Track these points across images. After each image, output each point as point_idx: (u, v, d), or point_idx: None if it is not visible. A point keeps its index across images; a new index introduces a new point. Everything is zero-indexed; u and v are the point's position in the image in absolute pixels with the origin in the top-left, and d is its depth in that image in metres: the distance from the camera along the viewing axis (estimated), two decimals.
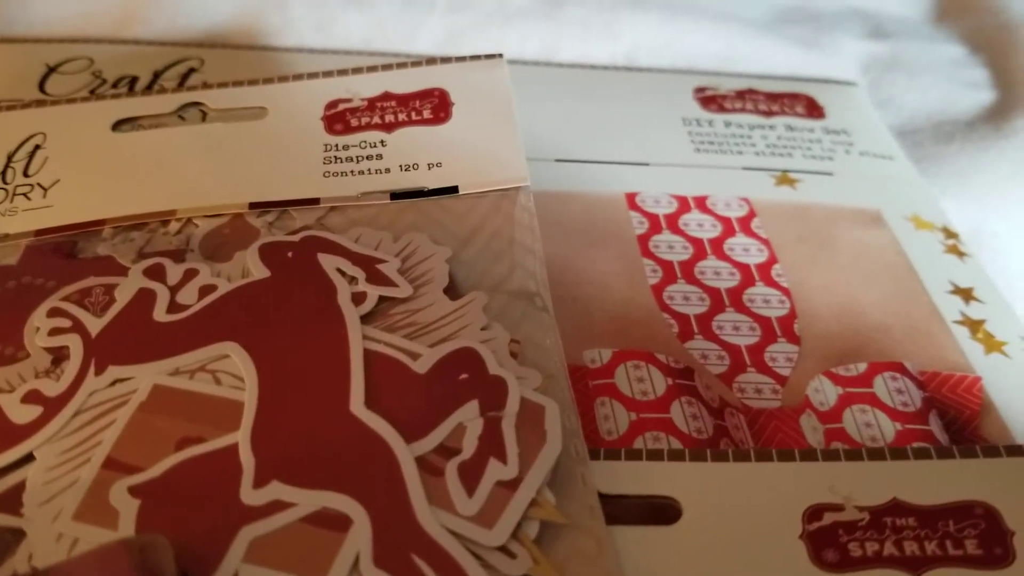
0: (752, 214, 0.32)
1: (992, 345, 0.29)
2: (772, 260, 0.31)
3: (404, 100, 0.30)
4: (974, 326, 0.29)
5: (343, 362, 0.23)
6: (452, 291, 0.25)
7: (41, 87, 0.34)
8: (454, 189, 0.27)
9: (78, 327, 0.24)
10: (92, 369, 0.23)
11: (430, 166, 0.28)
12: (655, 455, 0.23)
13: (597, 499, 0.22)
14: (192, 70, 0.36)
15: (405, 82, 0.30)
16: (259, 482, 0.21)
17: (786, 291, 0.30)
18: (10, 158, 0.28)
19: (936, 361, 0.28)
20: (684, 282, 0.30)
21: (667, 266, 0.30)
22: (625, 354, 0.27)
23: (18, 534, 0.21)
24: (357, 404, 0.22)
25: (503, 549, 0.20)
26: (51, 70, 0.35)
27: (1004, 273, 0.32)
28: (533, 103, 0.36)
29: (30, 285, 0.25)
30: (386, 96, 0.30)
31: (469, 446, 0.21)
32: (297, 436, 0.22)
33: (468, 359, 0.23)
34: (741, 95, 0.39)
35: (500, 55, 0.31)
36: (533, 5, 0.42)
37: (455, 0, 0.41)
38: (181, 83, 0.36)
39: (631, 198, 0.33)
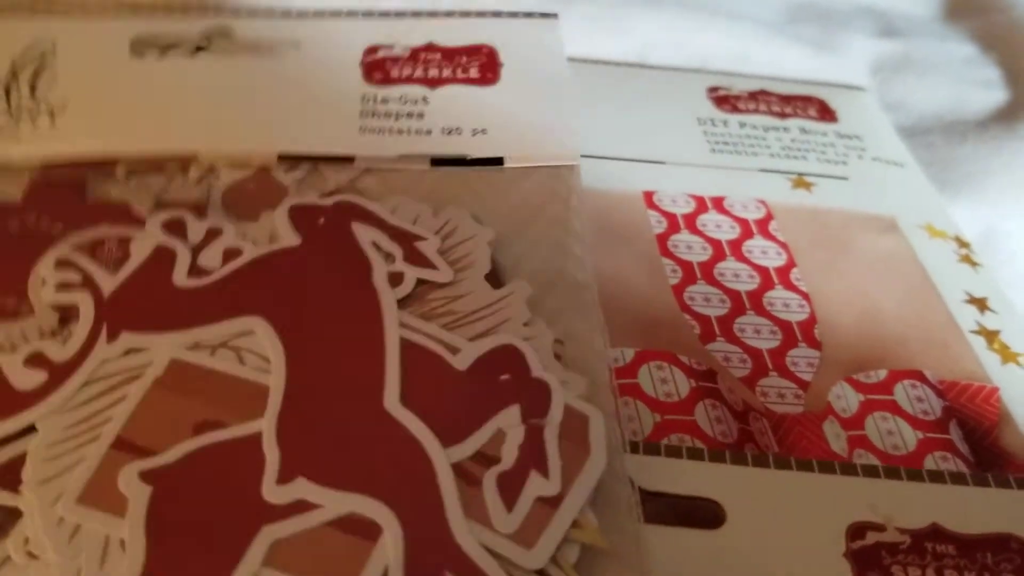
0: (769, 216, 0.32)
1: (1008, 356, 0.29)
2: (791, 264, 0.31)
3: (450, 54, 0.28)
4: (990, 336, 0.29)
5: (378, 351, 0.21)
6: (493, 278, 0.23)
7: None
8: (499, 161, 0.26)
9: (89, 284, 0.22)
10: (104, 334, 0.21)
11: (475, 132, 0.26)
12: (696, 454, 0.22)
13: (641, 524, 0.20)
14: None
15: (452, 34, 0.28)
16: (284, 478, 0.19)
17: (805, 295, 0.30)
18: (15, 71, 0.26)
19: (954, 370, 0.28)
20: (704, 283, 0.30)
21: (687, 266, 0.30)
22: (648, 354, 0.27)
23: (13, 514, 0.19)
24: (392, 400, 0.21)
25: (541, 573, 0.19)
26: None
27: (1019, 274, 0.33)
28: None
29: (35, 228, 0.23)
30: (431, 48, 0.28)
31: (509, 455, 0.20)
32: (326, 430, 0.20)
33: (510, 358, 0.21)
34: (754, 96, 0.38)
35: (555, 15, 0.29)
36: (540, 2, 0.41)
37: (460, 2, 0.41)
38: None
39: (648, 196, 0.32)
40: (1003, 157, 0.37)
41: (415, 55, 0.27)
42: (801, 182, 0.34)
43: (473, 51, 0.27)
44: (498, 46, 0.28)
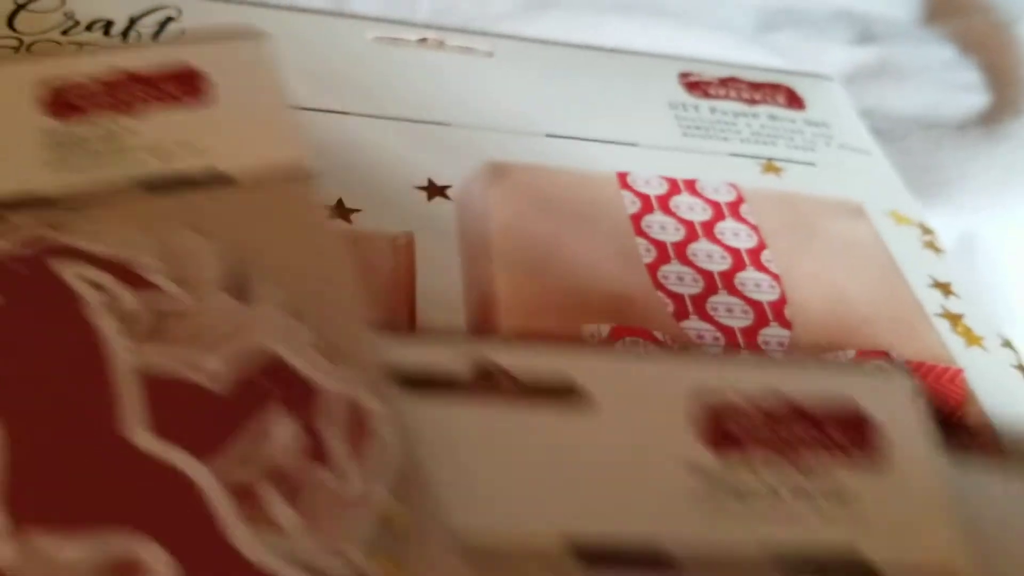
0: (740, 199, 0.33)
1: (972, 339, 0.29)
2: (761, 246, 0.31)
3: (151, 81, 0.25)
4: (954, 320, 0.30)
5: (109, 386, 0.19)
6: (238, 290, 0.21)
7: (10, 24, 0.33)
8: (225, 178, 0.24)
9: None
10: None
11: (192, 152, 0.24)
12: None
13: (440, 500, 0.20)
14: (170, 19, 0.35)
15: (149, 62, 0.26)
16: (12, 534, 0.17)
17: (776, 277, 0.30)
18: None
19: (920, 352, 0.29)
20: (678, 262, 0.30)
21: (660, 246, 0.30)
22: (623, 330, 0.27)
23: None
24: (135, 431, 0.19)
25: (346, 564, 0.18)
26: (20, 7, 0.33)
27: (995, 277, 0.33)
28: (520, 77, 0.36)
29: None
30: (129, 77, 0.25)
31: (287, 458, 0.19)
32: (63, 480, 0.18)
33: (270, 363, 0.20)
34: (724, 83, 0.39)
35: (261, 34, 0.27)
36: (515, 9, 0.41)
37: (438, 5, 0.40)
38: (158, 32, 0.34)
39: (622, 177, 0.32)
40: (981, 161, 0.37)
41: (110, 86, 0.25)
42: (771, 167, 0.34)
43: (179, 76, 0.26)
44: (206, 69, 0.26)
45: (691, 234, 0.31)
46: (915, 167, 0.37)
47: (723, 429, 0.22)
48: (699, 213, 0.32)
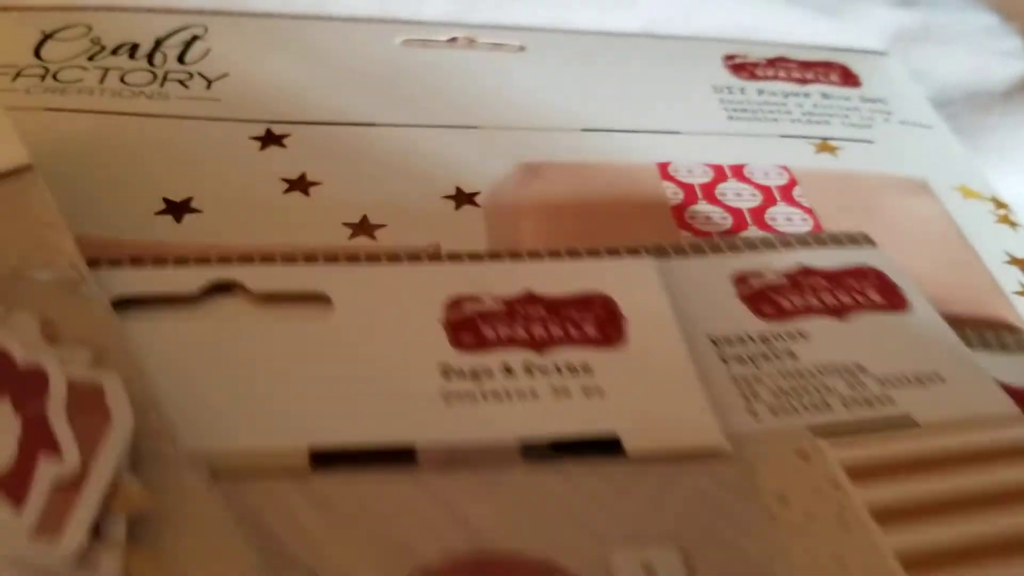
0: (793, 182, 0.31)
1: None
2: (817, 230, 0.29)
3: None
4: None
5: None
6: None
7: (37, 53, 0.32)
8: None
9: None
10: None
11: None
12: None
13: (196, 469, 0.18)
14: (196, 38, 0.34)
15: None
16: None
17: None
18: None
19: None
20: None
21: (707, 238, 0.28)
22: None
23: None
24: None
25: (82, 558, 0.16)
26: (47, 37, 0.33)
27: None
28: (553, 71, 0.35)
29: None
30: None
31: (6, 451, 0.17)
32: None
33: None
34: (772, 63, 0.37)
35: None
36: None
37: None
38: (183, 53, 0.34)
39: (663, 168, 0.31)
40: None
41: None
42: (825, 146, 0.32)
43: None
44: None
45: (739, 223, 0.29)
46: (963, 132, 0.35)
47: (471, 329, 0.22)
48: (747, 200, 0.30)
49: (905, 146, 0.33)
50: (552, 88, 0.34)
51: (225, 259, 0.24)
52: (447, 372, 0.21)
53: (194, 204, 0.27)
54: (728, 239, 0.28)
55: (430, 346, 0.22)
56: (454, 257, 0.25)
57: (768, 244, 0.27)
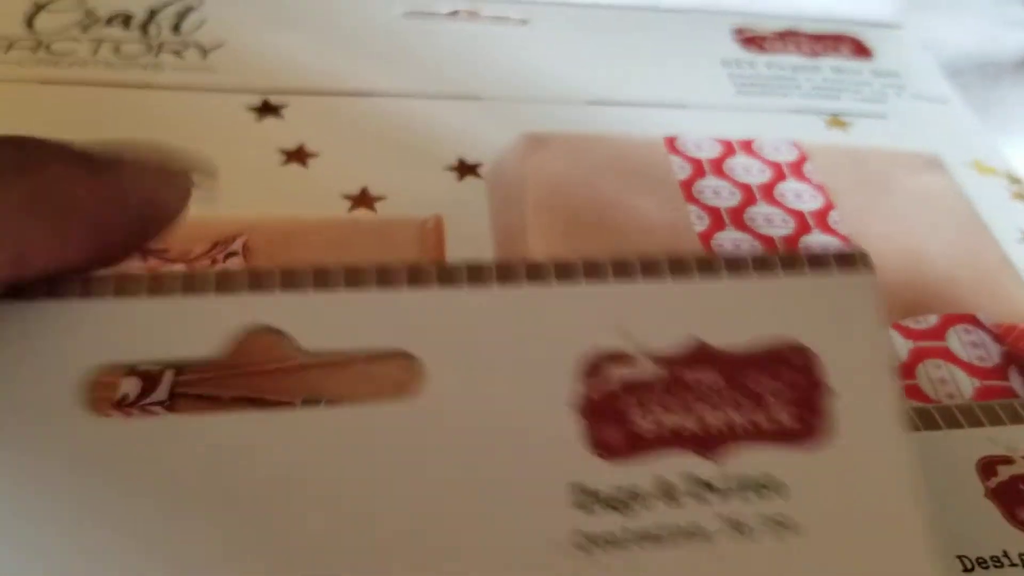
0: (803, 158, 0.30)
1: None
2: (828, 206, 0.28)
3: None
4: None
5: None
6: None
7: (29, 25, 0.32)
8: None
9: None
10: None
11: None
12: None
13: None
14: (190, 8, 0.34)
15: None
16: None
17: (845, 239, 0.27)
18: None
19: (1010, 313, 0.26)
20: (734, 229, 0.27)
21: (714, 212, 0.28)
22: None
23: None
24: None
25: None
26: (39, 8, 0.32)
27: None
28: (558, 44, 0.34)
29: None
30: None
31: None
32: None
33: None
34: (782, 36, 0.36)
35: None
36: None
37: None
38: (178, 23, 0.33)
39: (670, 142, 0.30)
40: None
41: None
42: (836, 121, 0.32)
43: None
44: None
45: (748, 198, 0.28)
46: (973, 104, 0.34)
47: (617, 418, 0.14)
48: (757, 175, 0.29)
49: (918, 121, 0.32)
50: (556, 60, 0.33)
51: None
52: (585, 500, 0.14)
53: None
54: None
55: (558, 450, 0.14)
56: (562, 272, 0.15)
57: None
